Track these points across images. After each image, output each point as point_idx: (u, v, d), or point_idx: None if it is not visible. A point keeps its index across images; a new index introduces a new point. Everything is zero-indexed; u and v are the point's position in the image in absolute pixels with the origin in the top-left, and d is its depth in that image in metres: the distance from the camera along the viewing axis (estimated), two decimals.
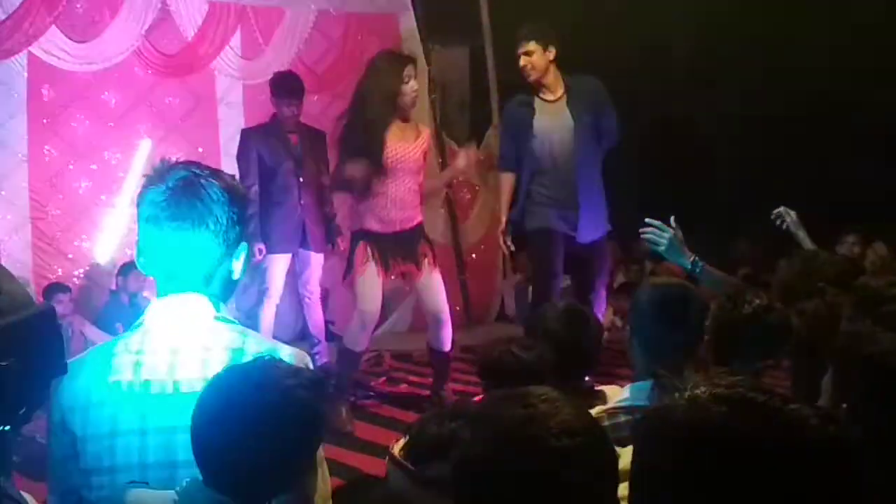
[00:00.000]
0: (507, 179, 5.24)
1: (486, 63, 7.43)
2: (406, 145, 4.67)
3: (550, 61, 4.95)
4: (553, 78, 4.99)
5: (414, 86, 4.66)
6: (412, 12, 7.34)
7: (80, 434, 1.61)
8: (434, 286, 4.87)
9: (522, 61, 4.95)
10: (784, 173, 8.08)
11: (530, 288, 7.54)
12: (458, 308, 7.19)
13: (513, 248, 5.36)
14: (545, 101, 5.01)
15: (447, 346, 4.99)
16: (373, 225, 4.72)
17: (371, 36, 6.92)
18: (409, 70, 4.63)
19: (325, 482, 1.72)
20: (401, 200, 4.71)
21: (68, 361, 1.62)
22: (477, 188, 7.45)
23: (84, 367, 1.65)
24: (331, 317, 6.37)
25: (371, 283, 4.71)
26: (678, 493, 0.96)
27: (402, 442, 1.94)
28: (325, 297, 6.05)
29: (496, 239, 7.41)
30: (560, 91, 5.01)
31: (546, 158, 5.01)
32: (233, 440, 1.43)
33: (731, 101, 8.08)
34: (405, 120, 4.72)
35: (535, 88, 5.02)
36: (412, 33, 7.12)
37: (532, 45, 4.91)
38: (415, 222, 4.81)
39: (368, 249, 4.69)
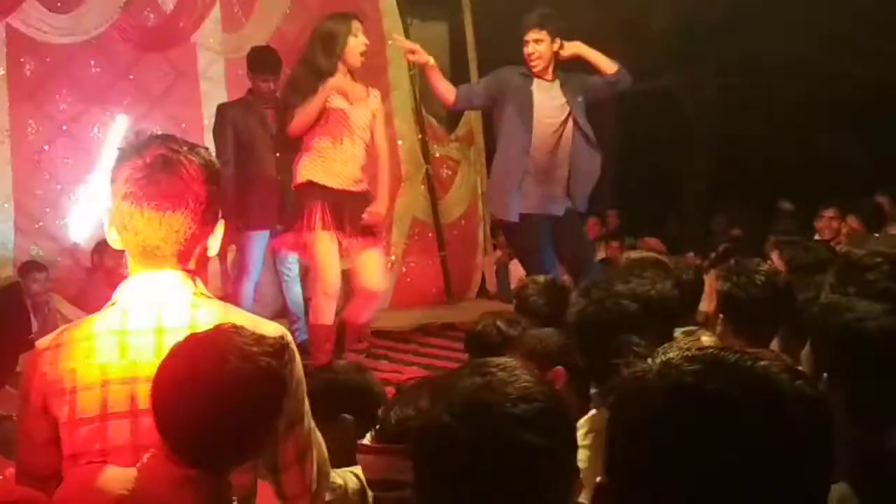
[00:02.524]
0: (449, 87, 5.14)
1: (465, 38, 7.37)
2: (352, 103, 4.67)
3: (554, 52, 4.92)
4: (552, 68, 4.98)
5: (362, 40, 4.66)
6: None
7: (65, 419, 1.58)
8: (375, 261, 4.86)
9: (530, 48, 4.89)
10: (764, 149, 8.12)
11: (510, 265, 7.59)
12: (439, 285, 7.21)
13: None
14: (542, 79, 4.98)
15: (363, 321, 5.04)
16: (321, 178, 4.64)
17: (351, 10, 6.84)
18: (354, 25, 4.65)
19: (319, 447, 1.74)
20: (345, 159, 4.66)
21: (40, 342, 1.60)
22: (457, 164, 7.43)
23: (63, 350, 1.62)
24: (310, 294, 6.34)
25: (328, 249, 4.66)
26: (653, 454, 0.97)
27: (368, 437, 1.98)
28: (303, 274, 6.01)
29: (476, 215, 7.48)
30: (552, 75, 5.01)
31: (538, 136, 4.95)
32: (195, 408, 1.43)
33: (710, 76, 8.09)
34: (353, 78, 4.72)
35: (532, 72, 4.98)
36: (391, 7, 7.07)
37: (542, 34, 4.86)
38: (361, 188, 4.75)
39: (320, 210, 4.61)
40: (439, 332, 6.28)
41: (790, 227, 7.68)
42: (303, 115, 4.59)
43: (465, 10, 7.34)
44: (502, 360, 1.30)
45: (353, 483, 1.88)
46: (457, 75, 7.59)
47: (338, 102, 4.61)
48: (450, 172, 7.41)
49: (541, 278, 3.28)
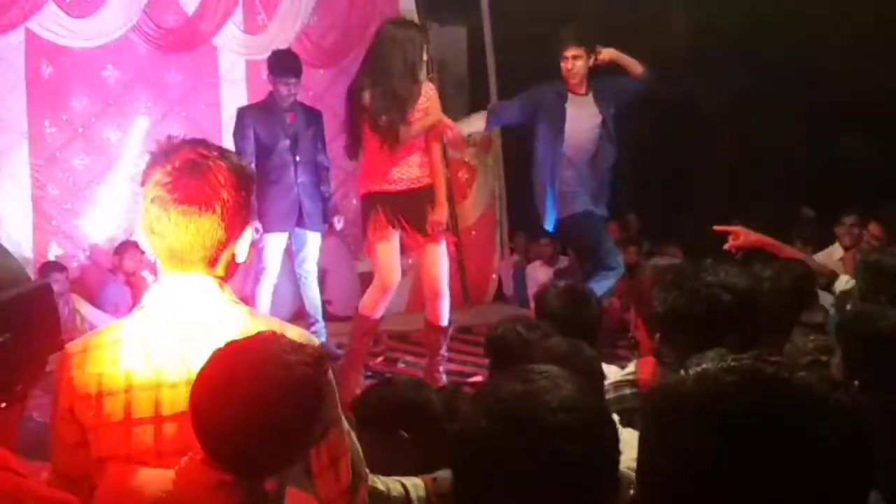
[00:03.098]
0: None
1: (484, 43, 7.37)
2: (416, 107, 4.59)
3: (590, 67, 5.03)
4: (586, 82, 5.10)
5: (426, 53, 4.68)
6: None
7: (91, 423, 1.59)
8: (435, 256, 4.77)
9: (568, 65, 5.00)
10: (783, 154, 8.07)
11: (527, 269, 7.57)
12: (455, 289, 7.20)
13: None
14: (576, 94, 5.10)
15: (440, 321, 4.92)
16: (381, 186, 4.58)
17: (373, 11, 6.88)
18: (425, 39, 4.69)
19: (354, 450, 1.74)
20: (407, 160, 4.58)
21: (70, 346, 1.61)
22: (475, 169, 7.42)
23: (91, 354, 1.63)
24: (328, 297, 6.35)
25: (388, 250, 4.67)
26: (689, 465, 0.96)
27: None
28: (322, 277, 6.03)
29: (493, 219, 7.48)
30: (584, 87, 5.11)
31: (573, 151, 5.09)
32: (233, 415, 1.43)
33: (730, 79, 8.04)
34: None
35: (568, 86, 5.09)
36: (411, 11, 7.06)
37: (580, 51, 4.97)
38: (423, 183, 4.64)
39: (382, 216, 4.59)
40: (456, 335, 6.26)
41: (811, 233, 7.62)
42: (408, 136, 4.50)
43: (484, 14, 7.34)
44: (545, 367, 1.29)
45: (396, 491, 1.87)
46: (475, 80, 7.61)
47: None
48: (467, 177, 7.41)
49: (561, 283, 3.27)
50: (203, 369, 1.48)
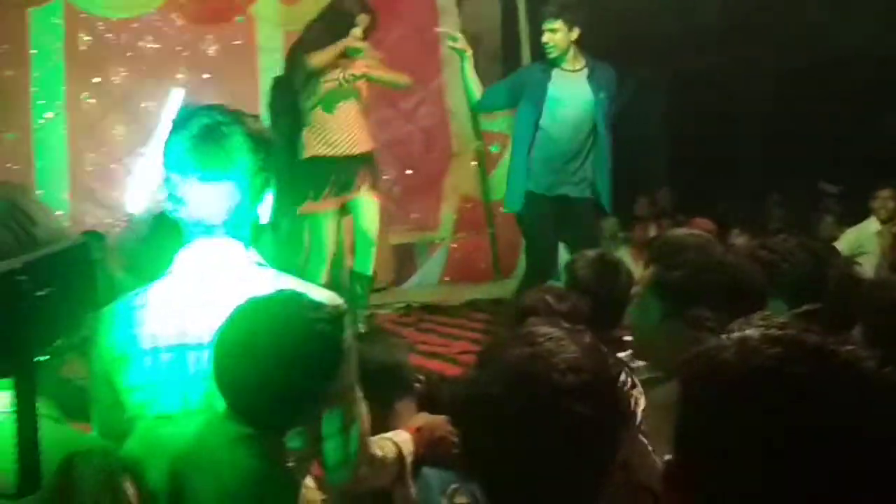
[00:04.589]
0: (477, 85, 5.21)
1: (517, 13, 7.30)
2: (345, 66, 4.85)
3: (572, 41, 4.95)
4: (572, 54, 4.99)
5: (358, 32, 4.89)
6: None
7: (122, 385, 1.64)
8: (370, 210, 5.07)
9: (546, 38, 4.95)
10: (819, 128, 7.94)
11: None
12: (486, 261, 7.20)
13: None
14: (564, 70, 4.99)
15: (367, 270, 5.19)
16: (320, 149, 4.91)
17: None
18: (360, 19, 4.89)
19: (363, 418, 1.76)
20: (344, 124, 4.90)
21: (103, 309, 1.65)
22: (507, 139, 7.39)
23: (121, 317, 1.67)
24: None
25: (326, 220, 4.99)
26: (731, 436, 0.94)
27: None
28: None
29: None
30: (579, 65, 5.00)
31: (554, 127, 4.95)
32: (253, 369, 1.47)
33: (764, 54, 7.91)
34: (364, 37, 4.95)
35: (553, 61, 5.00)
36: None
37: (558, 24, 4.90)
38: (362, 148, 4.98)
39: (320, 183, 4.92)
40: (487, 307, 6.30)
41: (834, 208, 7.52)
42: (315, 60, 4.82)
43: None
44: (549, 328, 1.29)
45: (390, 452, 1.91)
46: (508, 50, 7.55)
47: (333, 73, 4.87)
48: (501, 147, 7.38)
49: (591, 253, 3.25)
50: (224, 323, 1.52)
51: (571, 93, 4.94)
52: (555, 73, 4.98)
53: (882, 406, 0.91)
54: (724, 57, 7.99)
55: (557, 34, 4.90)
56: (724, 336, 1.01)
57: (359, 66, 4.90)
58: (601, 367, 1.27)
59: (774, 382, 0.93)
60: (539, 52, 5.25)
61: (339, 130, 4.95)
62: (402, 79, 5.36)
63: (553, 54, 4.94)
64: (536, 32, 7.06)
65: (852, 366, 0.93)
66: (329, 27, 4.94)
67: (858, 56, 7.21)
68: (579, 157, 4.98)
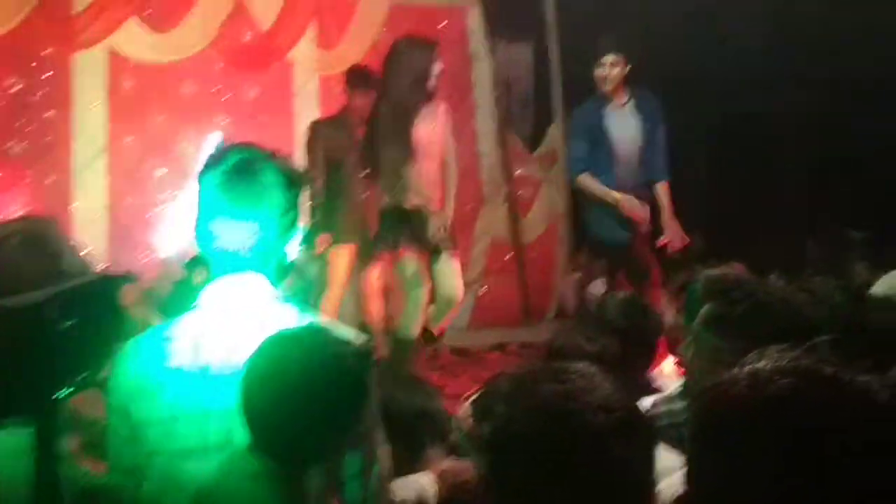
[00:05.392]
0: (588, 179, 5.09)
1: (550, 59, 7.37)
2: (431, 126, 4.65)
3: (625, 75, 4.96)
4: (621, 87, 5.01)
5: (440, 66, 4.67)
6: (479, 7, 7.35)
7: (140, 418, 1.63)
8: (450, 270, 4.80)
9: (602, 72, 4.92)
10: (854, 174, 7.84)
11: (588, 286, 7.49)
12: (517, 305, 7.18)
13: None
14: (615, 104, 5.01)
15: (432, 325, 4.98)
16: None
17: (440, 29, 6.96)
18: (435, 52, 4.66)
19: (384, 461, 1.74)
20: (426, 182, 4.66)
21: (128, 342, 1.66)
22: (539, 183, 7.41)
23: (142, 350, 1.67)
24: (390, 312, 6.38)
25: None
26: (744, 467, 0.93)
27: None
28: (386, 295, 6.06)
29: (556, 235, 7.43)
30: (625, 97, 5.02)
31: (615, 160, 5.01)
32: (278, 402, 1.46)
33: (803, 97, 7.85)
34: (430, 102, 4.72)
35: (605, 95, 5.00)
36: (478, 28, 7.12)
37: (615, 58, 4.90)
38: (437, 206, 4.75)
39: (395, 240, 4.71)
40: (517, 351, 6.26)
41: (865, 254, 7.39)
42: None
43: (550, 30, 7.34)
44: (581, 366, 1.29)
45: (411, 498, 1.88)
46: (540, 96, 7.60)
47: (422, 132, 4.61)
48: (531, 192, 7.40)
49: (620, 294, 3.24)
50: (254, 354, 1.52)
51: (625, 125, 4.99)
52: (607, 109, 5.00)
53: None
54: (768, 102, 7.94)
55: (616, 69, 4.90)
56: (736, 369, 0.99)
57: None
58: (632, 406, 1.26)
59: (787, 412, 0.92)
60: (578, 92, 5.28)
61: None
62: None
63: (609, 88, 4.94)
64: (568, 77, 7.12)
65: (866, 395, 0.92)
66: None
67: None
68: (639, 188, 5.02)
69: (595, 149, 5.00)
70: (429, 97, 4.65)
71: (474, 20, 7.28)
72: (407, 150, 4.54)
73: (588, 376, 1.25)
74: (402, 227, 4.67)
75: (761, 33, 7.44)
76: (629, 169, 5.02)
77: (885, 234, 7.15)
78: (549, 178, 7.43)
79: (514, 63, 7.62)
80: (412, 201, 4.61)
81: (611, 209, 4.96)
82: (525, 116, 7.63)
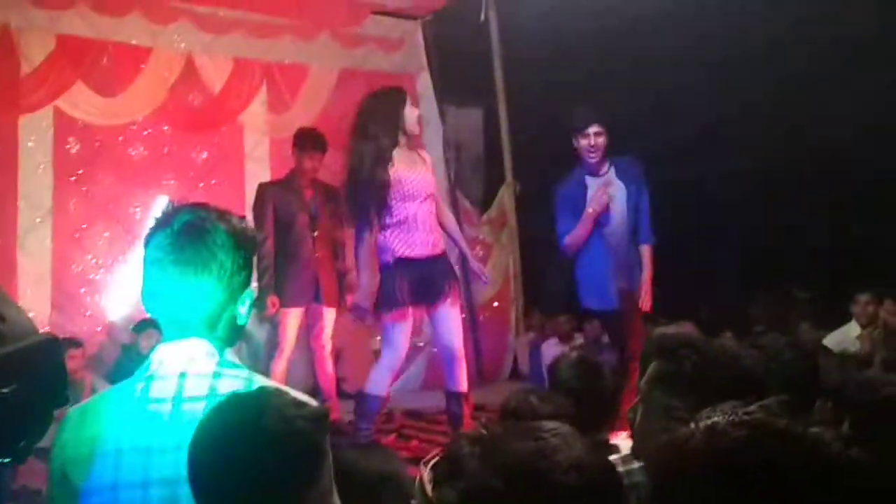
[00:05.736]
0: (570, 237, 5.09)
1: (499, 123, 7.50)
2: (417, 169, 4.61)
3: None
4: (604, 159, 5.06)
5: (415, 112, 4.65)
6: (428, 73, 7.49)
7: (82, 486, 1.56)
8: (453, 320, 4.71)
9: (590, 141, 4.92)
10: (797, 233, 8.06)
11: (542, 346, 7.51)
12: (470, 367, 7.14)
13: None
14: (595, 176, 5.03)
15: (462, 386, 4.80)
16: (403, 251, 4.56)
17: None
18: (408, 98, 4.65)
19: None
20: (424, 223, 4.58)
21: (70, 408, 1.60)
22: (489, 246, 7.46)
23: (88, 417, 1.61)
24: (343, 373, 6.32)
25: (401, 328, 4.61)
26: None
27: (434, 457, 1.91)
28: (337, 355, 6.01)
29: (508, 296, 7.47)
30: (606, 166, 5.04)
31: (600, 228, 5.01)
32: (227, 469, 1.41)
33: (739, 159, 8.09)
34: (410, 147, 4.68)
35: (587, 165, 5.02)
36: (428, 93, 7.24)
37: (602, 128, 4.93)
38: (441, 249, 4.67)
39: (398, 293, 4.55)
40: (471, 413, 6.19)
41: (807, 314, 7.56)
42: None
43: (499, 96, 7.49)
44: (554, 424, 1.28)
45: None
46: (490, 158, 7.71)
47: (407, 174, 4.55)
48: (482, 254, 7.45)
49: (573, 354, 3.24)
50: (203, 418, 1.47)
51: (613, 193, 4.97)
52: (589, 180, 5.00)
53: (847, 485, 0.91)
54: (703, 166, 8.16)
55: (601, 138, 4.91)
56: (692, 425, 1.00)
57: None
58: (605, 466, 1.25)
59: (743, 463, 0.93)
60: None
61: None
62: None
63: (596, 158, 4.94)
64: (518, 140, 7.23)
65: (818, 446, 0.93)
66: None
67: (834, 161, 7.39)
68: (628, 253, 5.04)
69: (579, 220, 4.99)
70: (404, 142, 4.61)
71: (424, 85, 7.41)
72: (386, 188, 4.49)
73: (562, 435, 1.25)
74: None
75: (707, 100, 7.68)
76: (615, 236, 5.02)
77: (827, 294, 7.34)
78: (500, 240, 7.49)
79: (463, 127, 7.75)
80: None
81: (601, 276, 4.97)
82: (475, 179, 7.72)
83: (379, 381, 4.69)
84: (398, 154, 4.55)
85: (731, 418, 0.99)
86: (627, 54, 7.19)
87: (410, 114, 4.61)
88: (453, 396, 4.85)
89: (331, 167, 5.57)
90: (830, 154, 7.33)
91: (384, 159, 4.50)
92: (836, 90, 7.13)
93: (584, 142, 4.94)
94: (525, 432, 1.26)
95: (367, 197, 4.52)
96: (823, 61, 7.11)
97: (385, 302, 4.58)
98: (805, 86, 7.25)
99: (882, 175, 7.14)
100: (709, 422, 1.00)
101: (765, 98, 7.62)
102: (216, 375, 1.64)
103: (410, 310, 4.59)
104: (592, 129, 4.93)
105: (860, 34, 6.75)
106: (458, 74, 7.52)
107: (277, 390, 1.52)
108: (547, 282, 7.66)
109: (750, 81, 7.55)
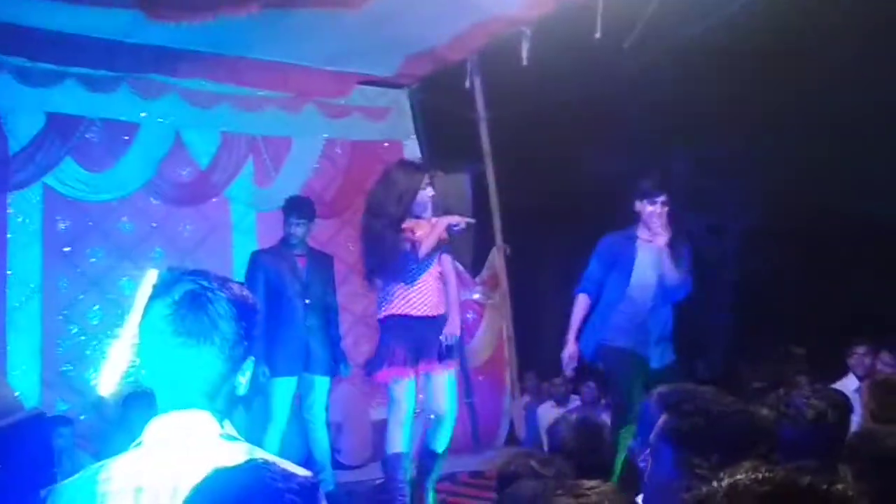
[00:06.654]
0: (583, 300, 5.22)
1: (487, 187, 7.55)
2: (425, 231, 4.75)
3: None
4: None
5: (429, 192, 4.79)
6: (416, 139, 7.56)
7: None
8: (446, 383, 4.79)
9: (657, 209, 4.99)
10: (790, 287, 8.07)
11: (538, 409, 7.43)
12: (465, 432, 7.05)
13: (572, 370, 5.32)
14: (645, 240, 5.10)
15: (440, 448, 4.88)
16: (405, 309, 4.69)
17: (376, 163, 7.09)
18: (425, 178, 4.78)
19: None
20: (431, 288, 4.74)
21: (61, 482, 1.55)
22: (482, 308, 7.43)
23: (78, 492, 1.55)
24: (338, 445, 6.23)
25: (405, 386, 4.69)
26: None
27: None
28: (335, 426, 5.95)
29: (503, 359, 7.41)
30: (666, 236, 5.06)
31: (635, 291, 5.09)
32: None
33: (733, 215, 8.15)
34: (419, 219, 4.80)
35: (644, 230, 5.09)
36: (415, 159, 7.28)
37: (667, 198, 5.00)
38: (443, 310, 4.81)
39: (399, 352, 4.65)
40: (467, 480, 6.11)
41: (802, 369, 7.54)
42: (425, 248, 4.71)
43: (486, 160, 7.55)
44: (596, 482, 1.27)
45: None
46: (480, 223, 7.73)
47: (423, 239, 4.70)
48: (475, 317, 7.41)
49: (572, 417, 3.21)
50: (190, 493, 1.43)
51: (655, 262, 5.03)
52: (638, 243, 5.09)
53: None
54: (693, 221, 8.21)
55: (666, 207, 4.97)
56: (714, 483, 0.98)
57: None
58: None
59: None
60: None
61: None
62: None
63: (658, 225, 4.97)
64: (506, 204, 7.27)
65: (844, 501, 0.91)
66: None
67: (822, 214, 7.45)
68: (658, 320, 5.09)
69: (612, 274, 5.10)
70: (415, 216, 4.74)
71: (412, 152, 7.47)
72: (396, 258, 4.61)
73: (603, 493, 1.24)
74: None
75: (694, 156, 7.76)
76: (641, 298, 5.07)
77: (823, 349, 7.33)
78: (493, 303, 7.47)
79: (451, 191, 7.78)
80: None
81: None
82: (464, 244, 7.73)
83: (391, 439, 4.74)
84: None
85: (752, 475, 0.97)
86: (611, 114, 7.31)
87: (425, 195, 4.78)
88: (429, 454, 4.92)
89: (318, 237, 5.61)
90: (820, 210, 7.40)
91: (397, 233, 4.64)
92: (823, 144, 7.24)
93: (650, 208, 5.01)
94: (567, 489, 1.25)
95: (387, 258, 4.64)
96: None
97: (383, 360, 4.67)
98: (802, 149, 7.34)
99: (872, 227, 7.21)
100: (730, 480, 0.98)
101: (755, 158, 7.71)
102: (212, 447, 1.59)
103: (410, 370, 4.67)
104: (660, 199, 5.00)
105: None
106: (444, 140, 7.60)
107: (266, 463, 1.48)
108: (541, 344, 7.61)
109: (738, 133, 7.65)
